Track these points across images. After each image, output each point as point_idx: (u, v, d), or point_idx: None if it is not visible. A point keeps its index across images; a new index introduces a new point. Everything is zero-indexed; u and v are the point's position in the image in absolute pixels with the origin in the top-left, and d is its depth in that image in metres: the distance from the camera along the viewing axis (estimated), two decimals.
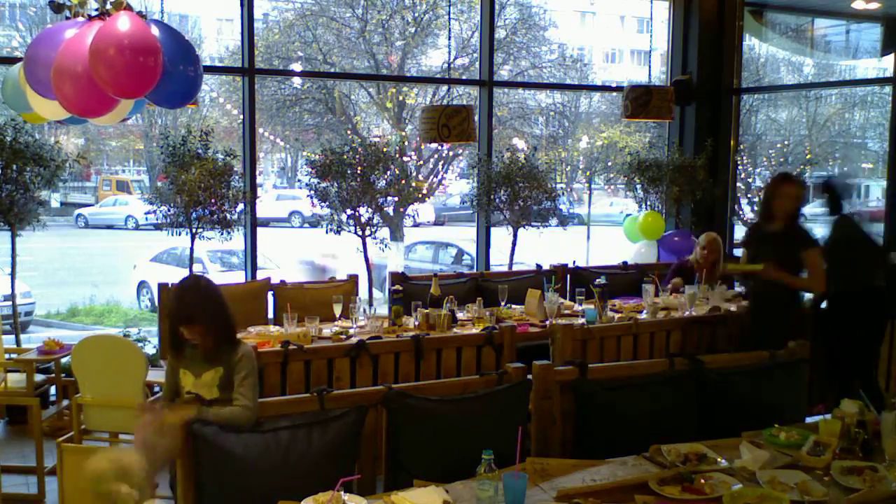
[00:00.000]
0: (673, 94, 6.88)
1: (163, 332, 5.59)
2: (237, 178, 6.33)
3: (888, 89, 7.38)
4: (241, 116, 6.90)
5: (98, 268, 14.32)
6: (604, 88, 16.79)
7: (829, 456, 2.86)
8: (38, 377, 5.00)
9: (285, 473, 2.84)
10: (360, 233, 6.81)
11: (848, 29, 9.15)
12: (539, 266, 6.53)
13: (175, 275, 8.94)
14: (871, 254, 5.35)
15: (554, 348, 4.51)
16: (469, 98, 11.58)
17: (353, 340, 4.31)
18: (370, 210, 6.77)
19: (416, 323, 4.97)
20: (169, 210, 6.17)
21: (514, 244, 7.50)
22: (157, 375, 4.58)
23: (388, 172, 6.75)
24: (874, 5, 8.37)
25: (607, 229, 15.24)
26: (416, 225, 15.22)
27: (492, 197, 7.24)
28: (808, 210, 5.55)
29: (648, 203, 8.02)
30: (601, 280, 5.49)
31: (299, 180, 7.90)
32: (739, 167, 8.66)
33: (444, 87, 12.07)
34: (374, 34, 13.85)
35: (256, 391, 2.99)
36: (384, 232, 8.13)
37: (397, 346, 4.27)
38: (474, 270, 7.34)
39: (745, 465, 2.82)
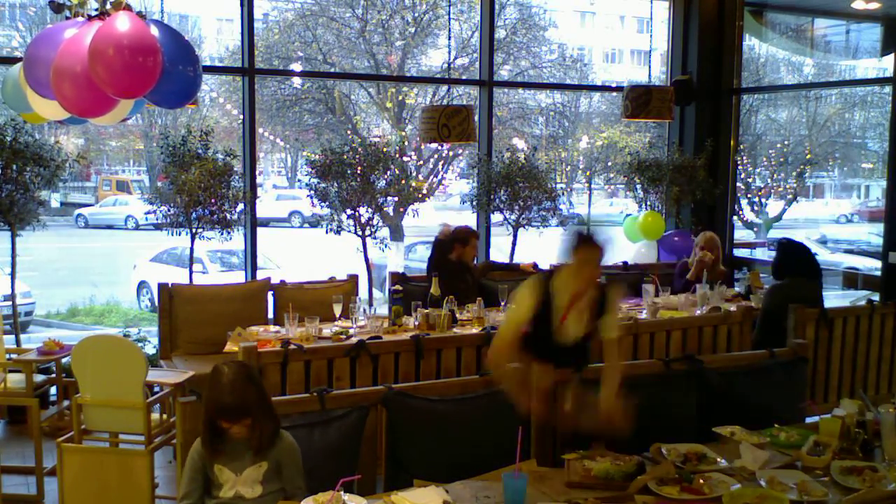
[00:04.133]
0: (673, 94, 6.89)
1: (163, 335, 5.60)
2: (237, 178, 6.33)
3: (888, 89, 7.38)
4: (241, 116, 6.91)
5: (98, 268, 14.29)
6: (604, 88, 16.76)
7: (829, 456, 2.87)
8: (39, 377, 4.99)
9: None
10: (360, 233, 6.81)
11: (848, 29, 9.15)
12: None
13: (175, 275, 9.00)
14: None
15: None
16: (469, 98, 11.55)
17: (353, 340, 4.32)
18: (370, 210, 6.77)
19: (416, 323, 4.97)
20: (169, 210, 6.17)
21: (514, 244, 7.49)
22: (156, 375, 4.57)
23: (388, 172, 6.75)
24: (874, 5, 8.36)
25: (607, 229, 15.22)
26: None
27: (492, 197, 7.24)
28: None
29: (648, 203, 8.02)
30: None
31: (299, 180, 7.89)
32: (739, 167, 8.66)
33: (444, 87, 12.04)
34: (374, 34, 13.83)
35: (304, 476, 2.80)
36: (384, 232, 8.12)
37: (397, 346, 4.28)
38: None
39: (745, 465, 2.83)
